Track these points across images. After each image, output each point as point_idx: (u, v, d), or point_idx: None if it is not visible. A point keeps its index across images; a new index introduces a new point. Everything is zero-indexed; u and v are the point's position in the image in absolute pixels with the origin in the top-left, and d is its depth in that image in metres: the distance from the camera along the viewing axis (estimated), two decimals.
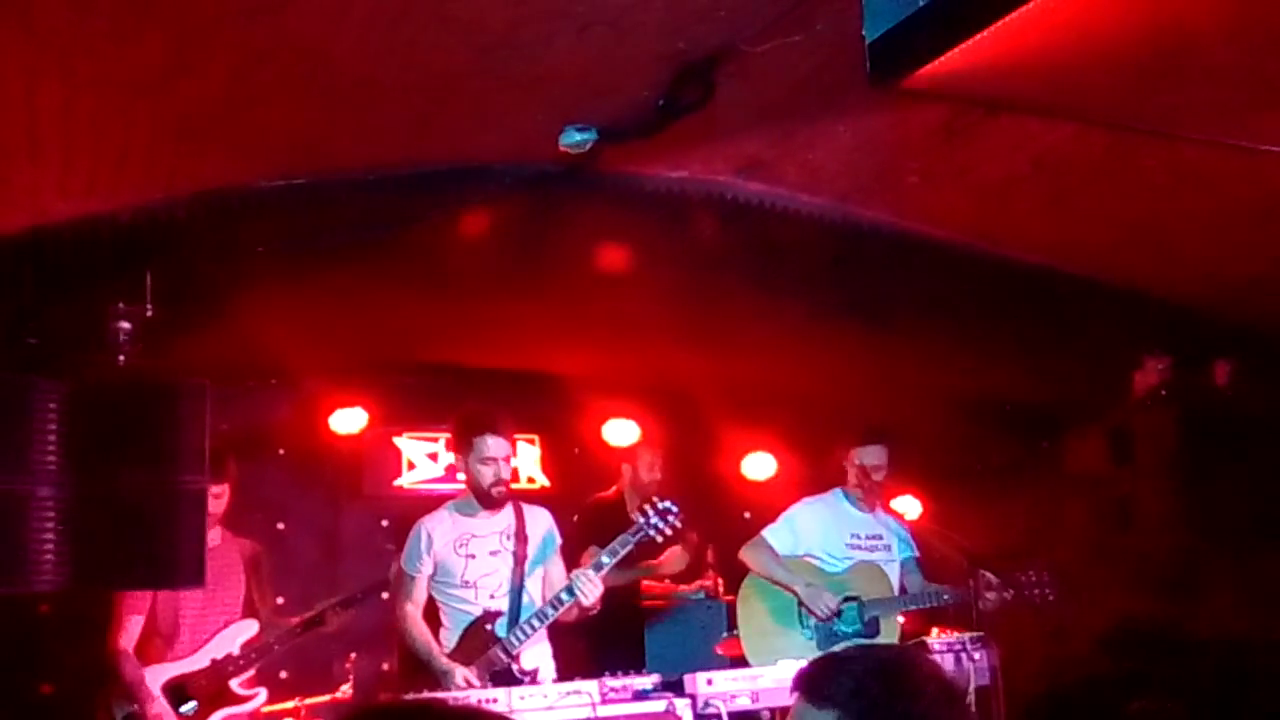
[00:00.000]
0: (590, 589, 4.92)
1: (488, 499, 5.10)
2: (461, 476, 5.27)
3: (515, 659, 4.92)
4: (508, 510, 5.17)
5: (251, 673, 5.56)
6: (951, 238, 5.70)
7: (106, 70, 3.77)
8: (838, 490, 5.85)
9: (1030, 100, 3.95)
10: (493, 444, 5.07)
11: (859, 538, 5.75)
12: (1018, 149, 4.88)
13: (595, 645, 5.94)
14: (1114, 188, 5.15)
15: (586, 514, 6.59)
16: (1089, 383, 6.51)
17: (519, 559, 5.11)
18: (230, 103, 4.18)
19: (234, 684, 5.48)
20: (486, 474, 5.06)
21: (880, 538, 5.79)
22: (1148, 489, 6.25)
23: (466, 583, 5.05)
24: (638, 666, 5.57)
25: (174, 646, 5.46)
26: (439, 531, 5.10)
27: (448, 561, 5.06)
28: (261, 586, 5.80)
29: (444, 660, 4.89)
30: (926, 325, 6.26)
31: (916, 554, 5.83)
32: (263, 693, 5.59)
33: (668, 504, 5.12)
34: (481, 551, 5.09)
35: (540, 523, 5.26)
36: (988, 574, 5.31)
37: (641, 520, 5.10)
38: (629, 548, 5.06)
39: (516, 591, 5.07)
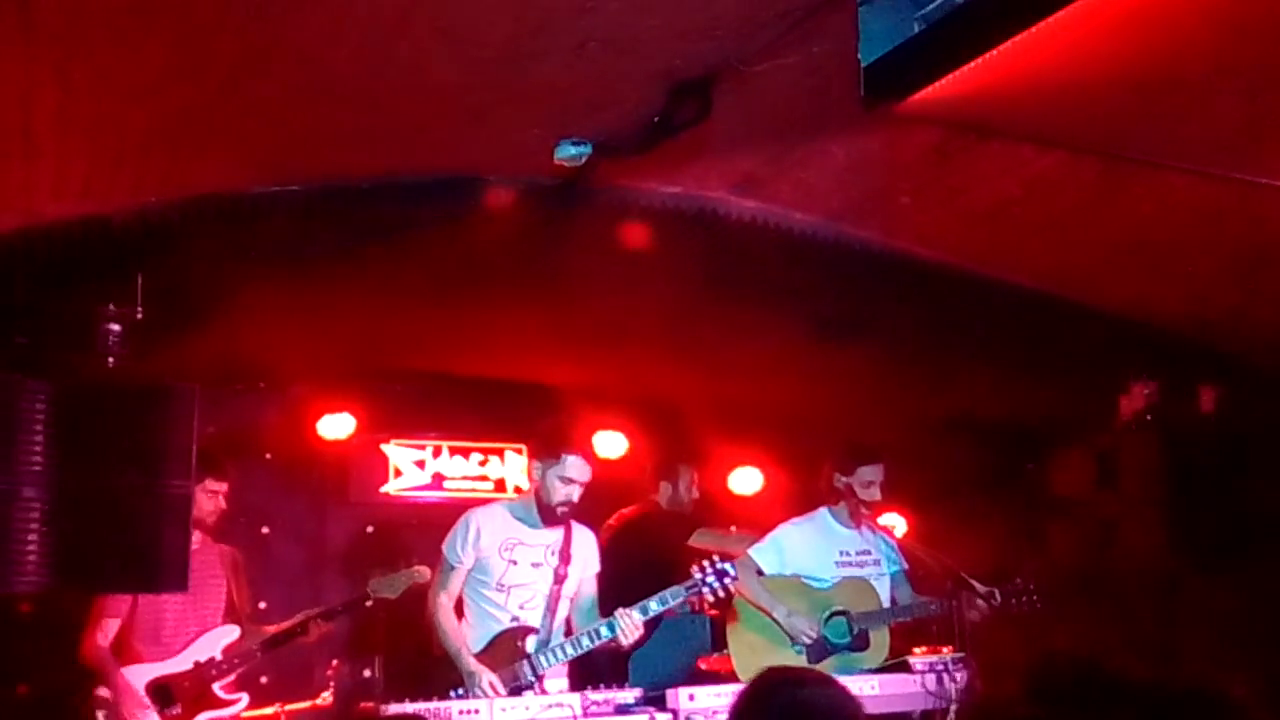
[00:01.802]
0: (632, 630, 4.89)
1: (550, 515, 5.06)
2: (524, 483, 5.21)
3: (540, 679, 4.91)
4: (558, 526, 5.12)
5: (233, 677, 5.55)
6: (942, 259, 5.73)
7: (103, 74, 3.78)
8: (824, 509, 5.86)
9: (1022, 127, 3.99)
10: (578, 466, 5.03)
11: (848, 555, 5.76)
12: (1009, 173, 4.91)
13: (578, 658, 5.93)
14: (1104, 214, 5.18)
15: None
16: (1075, 406, 6.54)
17: (559, 577, 5.06)
18: (226, 109, 4.19)
19: (216, 688, 5.47)
20: (560, 492, 5.02)
21: (869, 553, 5.80)
22: (1131, 513, 6.27)
23: (501, 586, 5.01)
24: (620, 680, 5.59)
25: (155, 649, 5.43)
26: (488, 528, 5.05)
27: (489, 560, 5.02)
28: (241, 590, 5.78)
29: (472, 661, 4.85)
30: (915, 345, 6.29)
31: (905, 567, 5.85)
32: (244, 698, 5.57)
33: (726, 566, 5.05)
34: (524, 560, 5.04)
35: (586, 545, 5.22)
36: (974, 582, 5.32)
37: (698, 576, 5.02)
38: (680, 600, 5.05)
39: (550, 609, 5.05)
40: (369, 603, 5.66)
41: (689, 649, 6.60)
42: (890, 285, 5.81)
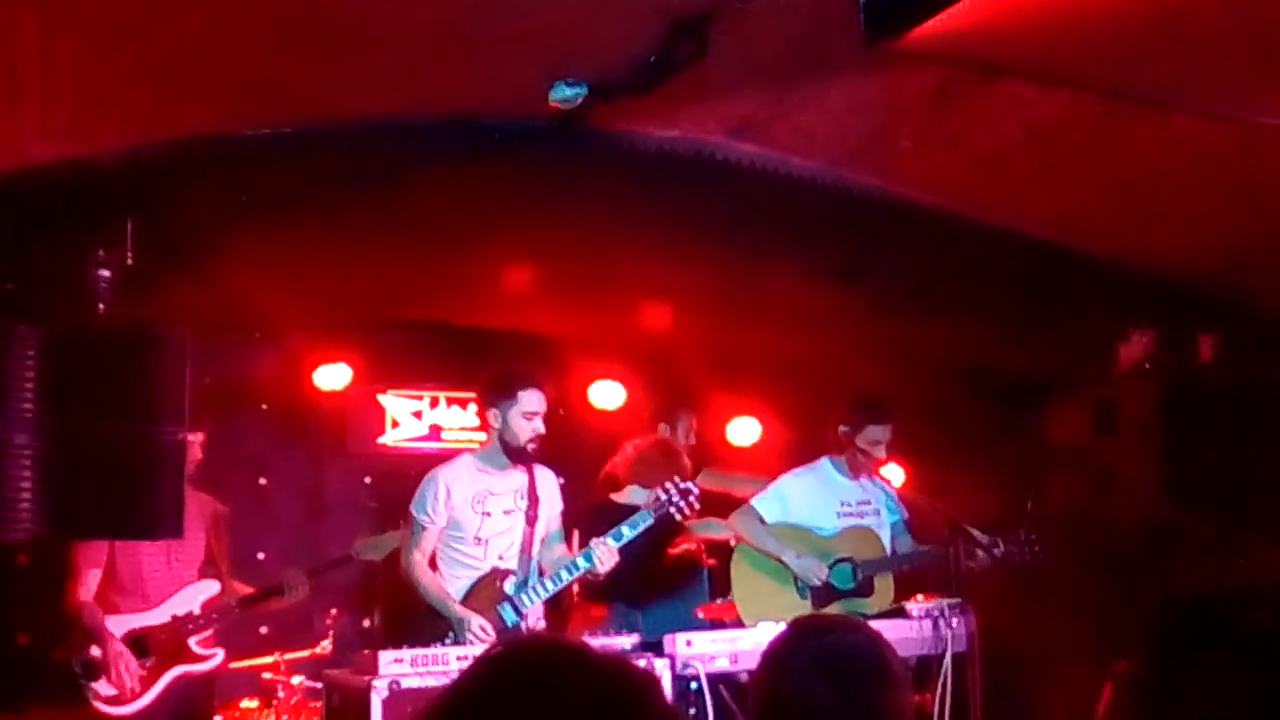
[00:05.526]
0: (608, 558, 4.96)
1: (520, 454, 5.08)
2: (495, 426, 5.10)
3: (524, 618, 4.95)
4: (521, 469, 5.16)
5: (210, 632, 5.52)
6: (942, 205, 5.67)
7: (87, 10, 3.70)
8: (825, 459, 5.85)
9: (1024, 64, 3.92)
10: (537, 399, 5.06)
11: (849, 505, 5.77)
12: (1010, 117, 4.84)
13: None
14: (1106, 159, 5.12)
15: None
16: (1074, 354, 6.51)
17: (530, 519, 5.11)
18: (215, 48, 4.11)
19: (192, 642, 5.45)
20: (527, 429, 5.05)
21: (869, 503, 5.81)
22: (1129, 461, 6.26)
23: (479, 540, 5.04)
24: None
25: (134, 600, 5.39)
26: (458, 486, 5.07)
27: (462, 518, 5.04)
28: (221, 542, 5.74)
29: (459, 608, 4.89)
30: (914, 292, 6.24)
31: (905, 517, 5.86)
32: (220, 653, 5.54)
33: (689, 485, 5.15)
34: (497, 510, 5.08)
35: (549, 483, 5.27)
36: (975, 532, 5.33)
37: (664, 497, 5.12)
38: (649, 522, 5.09)
39: (526, 552, 5.08)
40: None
41: (689, 600, 6.62)
42: (890, 231, 5.75)
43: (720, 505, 5.98)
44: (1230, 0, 3.43)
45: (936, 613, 5.23)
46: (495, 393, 5.12)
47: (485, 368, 5.36)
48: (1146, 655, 1.70)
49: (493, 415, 5.11)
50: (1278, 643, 1.58)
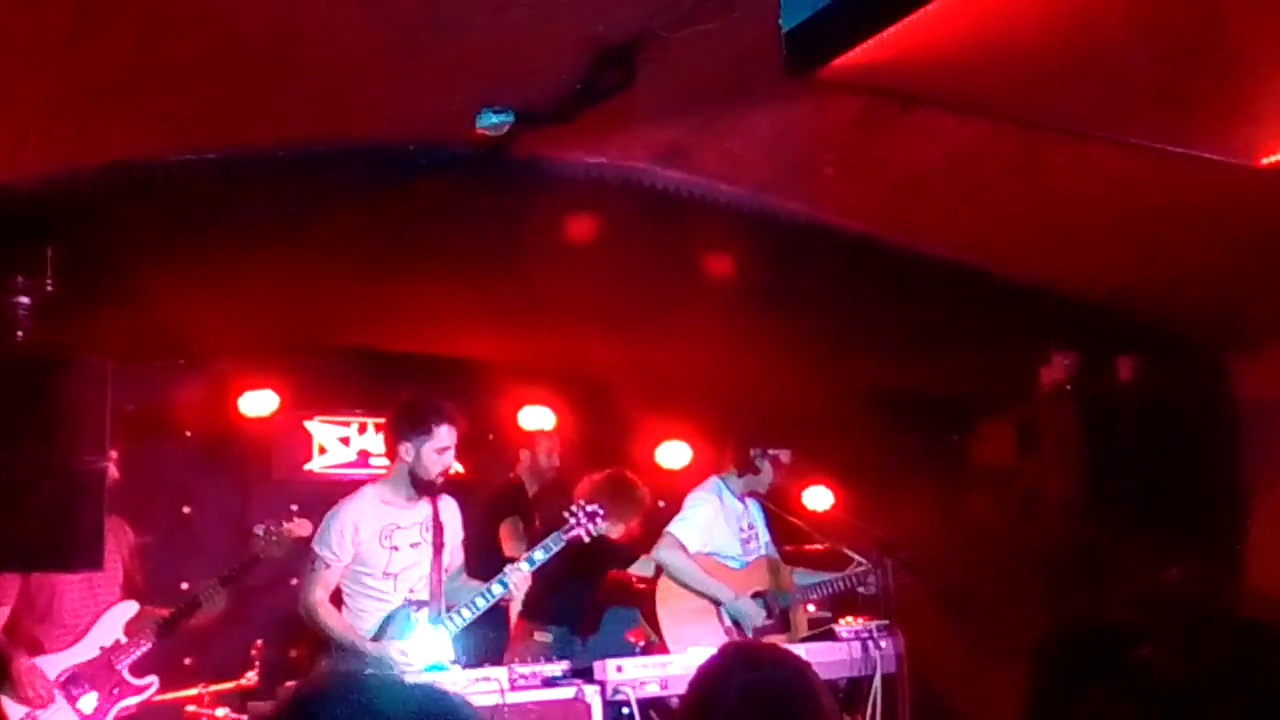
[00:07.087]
0: (523, 584, 5.04)
1: (428, 487, 5.05)
2: (407, 457, 5.09)
3: None
4: (425, 500, 5.13)
5: (138, 655, 5.40)
6: (866, 230, 5.76)
7: (6, 35, 3.65)
8: (717, 480, 5.93)
9: (941, 94, 4.00)
10: (449, 433, 5.04)
11: (743, 529, 5.89)
12: (931, 144, 4.94)
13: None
14: (1024, 185, 5.23)
15: (493, 497, 6.59)
16: (996, 376, 6.63)
17: (436, 548, 5.09)
18: (137, 73, 4.07)
19: (125, 673, 5.33)
20: (439, 463, 5.04)
21: (753, 526, 5.93)
22: (1052, 480, 6.38)
23: (388, 574, 5.00)
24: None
25: (56, 633, 5.27)
26: (364, 521, 5.02)
27: (369, 553, 4.99)
28: (135, 563, 5.63)
29: (372, 646, 4.86)
30: (840, 317, 6.32)
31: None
32: (155, 680, 5.45)
33: (595, 507, 5.24)
34: (404, 544, 5.05)
35: (451, 512, 5.27)
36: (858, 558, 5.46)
37: (572, 520, 5.18)
38: (560, 545, 5.14)
39: (436, 583, 5.04)
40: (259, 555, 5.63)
41: (617, 622, 6.62)
42: (815, 257, 5.83)
43: None
44: (1141, 34, 3.52)
45: (865, 634, 5.29)
46: (408, 427, 5.07)
47: (400, 396, 5.30)
48: (1035, 679, 1.74)
49: (405, 449, 5.06)
50: (1161, 678, 1.62)
